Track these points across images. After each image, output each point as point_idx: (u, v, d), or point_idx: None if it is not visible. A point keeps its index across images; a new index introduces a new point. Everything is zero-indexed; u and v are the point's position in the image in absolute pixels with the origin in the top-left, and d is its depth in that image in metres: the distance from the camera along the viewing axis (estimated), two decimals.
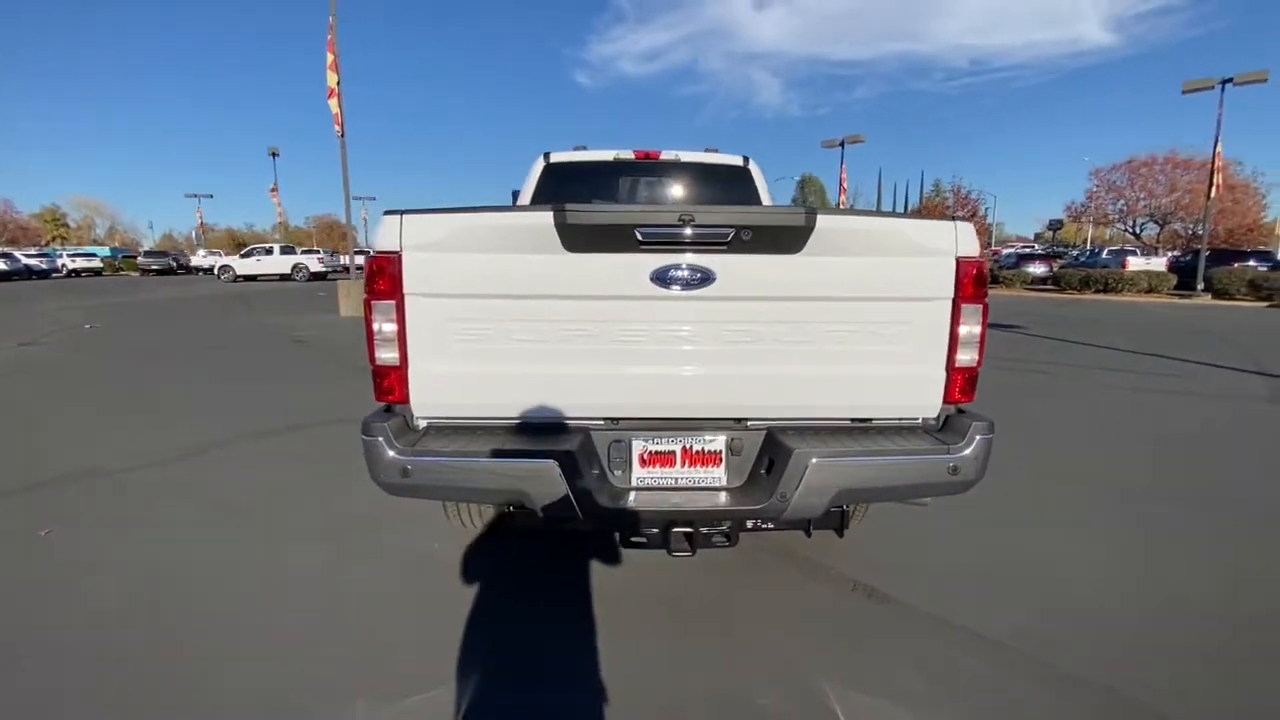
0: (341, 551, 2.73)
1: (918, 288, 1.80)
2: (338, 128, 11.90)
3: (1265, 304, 17.24)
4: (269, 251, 29.03)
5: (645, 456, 1.87)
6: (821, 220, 1.69)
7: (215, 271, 29.62)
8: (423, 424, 1.87)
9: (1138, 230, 37.51)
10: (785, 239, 1.71)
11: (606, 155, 3.90)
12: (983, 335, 1.84)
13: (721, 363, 1.81)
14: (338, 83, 11.65)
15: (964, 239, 1.79)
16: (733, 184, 3.94)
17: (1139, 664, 1.98)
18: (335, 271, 30.49)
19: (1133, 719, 1.75)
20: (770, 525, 1.91)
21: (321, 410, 5.09)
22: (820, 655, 2.04)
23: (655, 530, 1.83)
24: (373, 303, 1.75)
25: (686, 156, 3.92)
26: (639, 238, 1.68)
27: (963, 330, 1.81)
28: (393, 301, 1.74)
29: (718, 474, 1.88)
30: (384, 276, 1.73)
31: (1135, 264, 22.76)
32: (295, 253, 29.98)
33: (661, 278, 1.72)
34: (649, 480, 1.87)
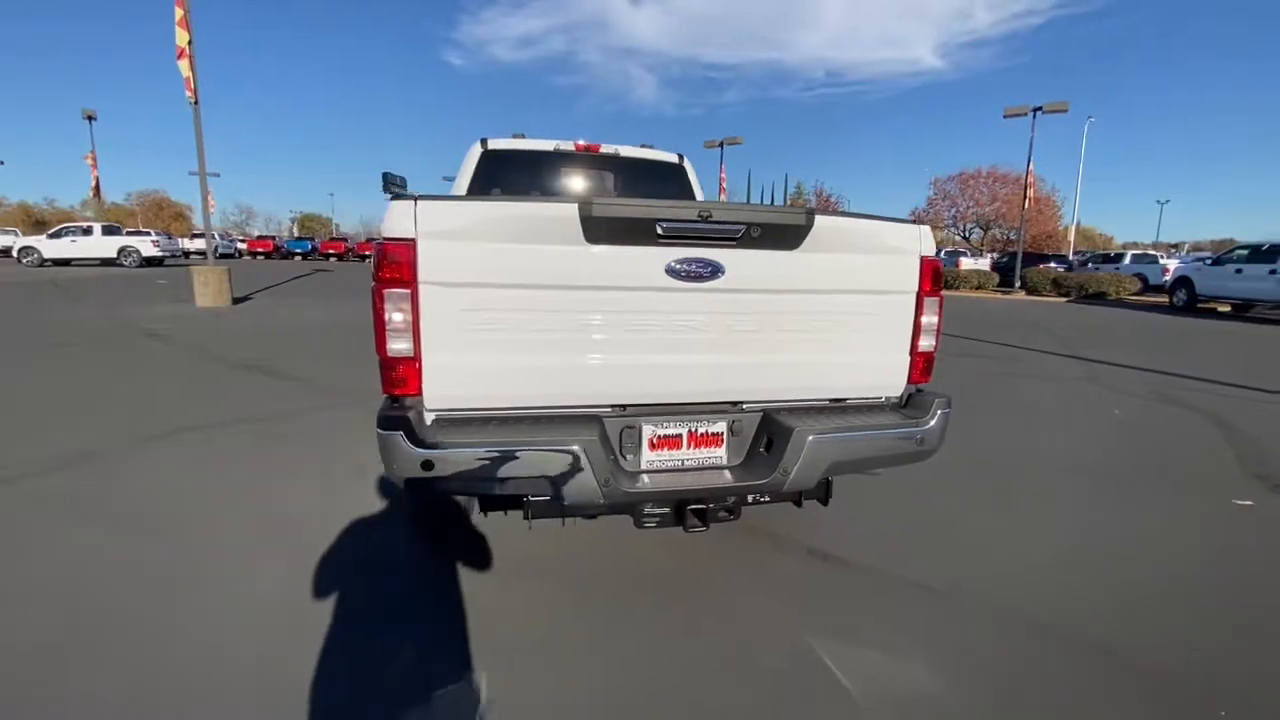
0: (254, 568, 2.53)
1: (890, 282, 2.05)
2: (190, 94, 10.46)
3: (1065, 299, 20.58)
4: (87, 231, 24.83)
5: (654, 440, 1.96)
6: (818, 220, 1.87)
7: (14, 254, 24.88)
8: (431, 416, 1.81)
9: (967, 234, 43.09)
10: (787, 236, 1.87)
11: (546, 145, 3.88)
12: (939, 324, 2.13)
13: (725, 351, 1.94)
14: (189, 42, 10.23)
15: (925, 240, 2.06)
16: (669, 180, 4.09)
17: (1056, 601, 2.41)
18: (173, 256, 26.85)
19: (1052, 642, 2.15)
20: (768, 498, 2.08)
21: (212, 411, 4.57)
22: (786, 610, 2.26)
23: (666, 510, 1.93)
24: (385, 291, 1.67)
25: (625, 151, 4.00)
26: (659, 231, 1.76)
27: (924, 320, 2.09)
28: (407, 290, 1.68)
29: (720, 454, 2.02)
30: (398, 264, 1.66)
31: (966, 264, 26.15)
32: (121, 233, 25.93)
33: (675, 270, 1.81)
34: (658, 463, 1.96)
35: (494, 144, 3.80)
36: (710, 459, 2.01)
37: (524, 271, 1.74)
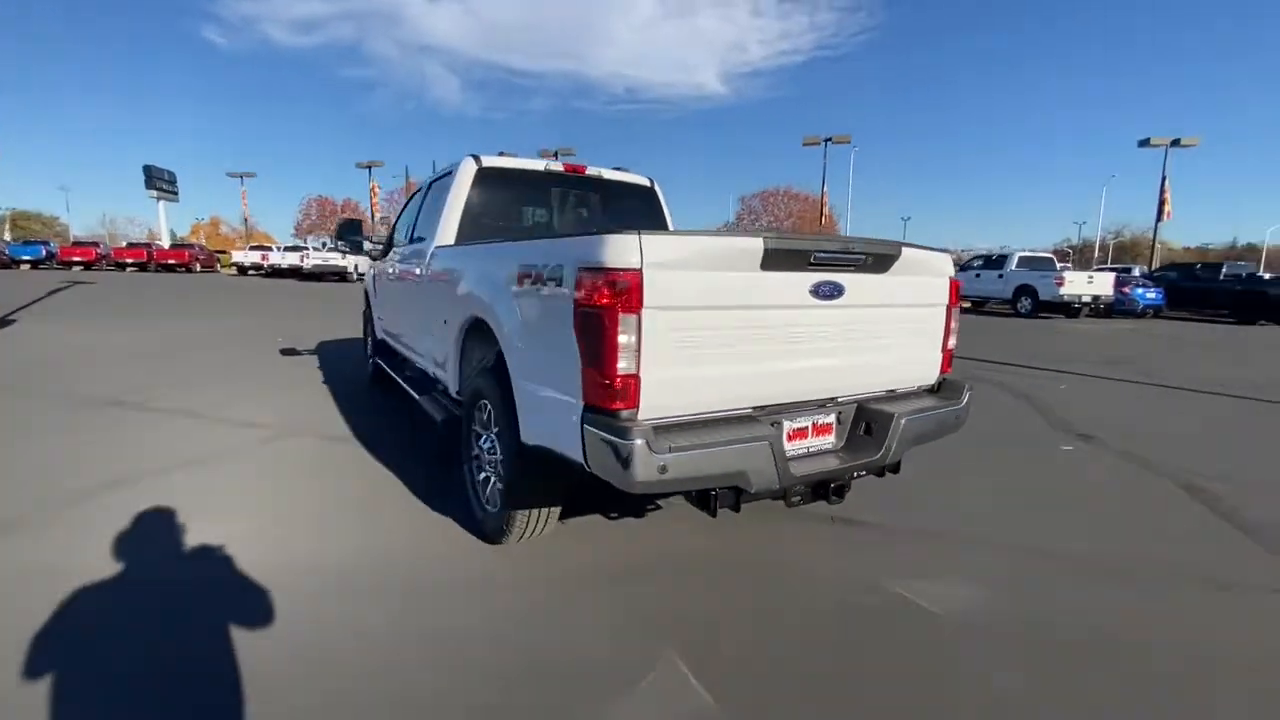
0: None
1: (933, 297, 2.67)
2: None
3: None
4: None
5: (790, 432, 2.34)
6: (904, 251, 2.42)
7: None
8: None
9: None
10: (884, 263, 2.39)
11: (538, 165, 3.99)
12: (957, 328, 2.81)
13: (838, 355, 2.40)
14: None
15: (950, 265, 2.73)
16: (644, 201, 4.44)
17: (1006, 525, 3.26)
18: None
19: (1021, 553, 2.95)
20: (865, 472, 2.56)
21: (125, 460, 3.87)
22: (857, 564, 2.80)
23: (806, 489, 2.34)
24: (620, 316, 1.84)
25: (607, 174, 4.26)
26: (812, 260, 2.16)
27: (951, 325, 2.75)
28: (635, 315, 1.86)
29: (830, 440, 2.47)
30: (626, 291, 1.85)
31: None
32: None
33: (816, 291, 2.23)
34: (792, 451, 2.35)
35: (488, 162, 3.80)
36: (825, 445, 2.45)
37: (715, 294, 2.02)
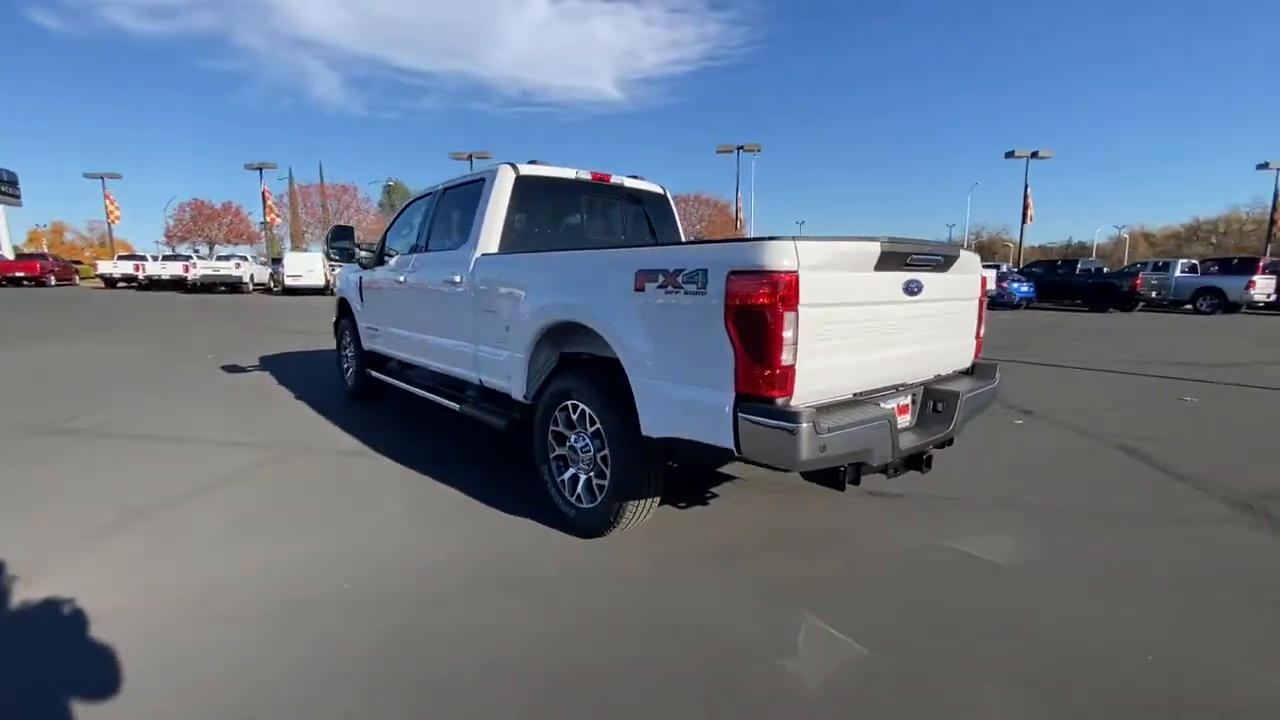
0: None
1: (971, 292, 3.10)
2: None
3: None
4: None
5: None
6: (961, 253, 2.81)
7: None
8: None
9: None
10: (950, 263, 2.77)
11: (568, 174, 4.09)
12: (986, 318, 3.26)
13: (913, 344, 2.74)
14: None
15: (981, 264, 3.17)
16: (658, 208, 4.65)
17: (1007, 484, 3.78)
18: None
19: (1020, 510, 3.47)
20: (933, 445, 2.91)
21: (116, 495, 3.56)
22: (912, 530, 3.19)
23: (901, 462, 2.66)
24: (783, 313, 2.06)
25: (629, 183, 4.43)
26: (908, 261, 2.48)
27: (984, 315, 3.20)
28: (795, 311, 2.09)
29: (908, 419, 2.81)
30: (786, 290, 2.07)
31: None
32: None
33: (906, 288, 2.56)
34: None
35: (524, 170, 3.86)
36: (905, 423, 2.78)
37: (842, 291, 2.29)
